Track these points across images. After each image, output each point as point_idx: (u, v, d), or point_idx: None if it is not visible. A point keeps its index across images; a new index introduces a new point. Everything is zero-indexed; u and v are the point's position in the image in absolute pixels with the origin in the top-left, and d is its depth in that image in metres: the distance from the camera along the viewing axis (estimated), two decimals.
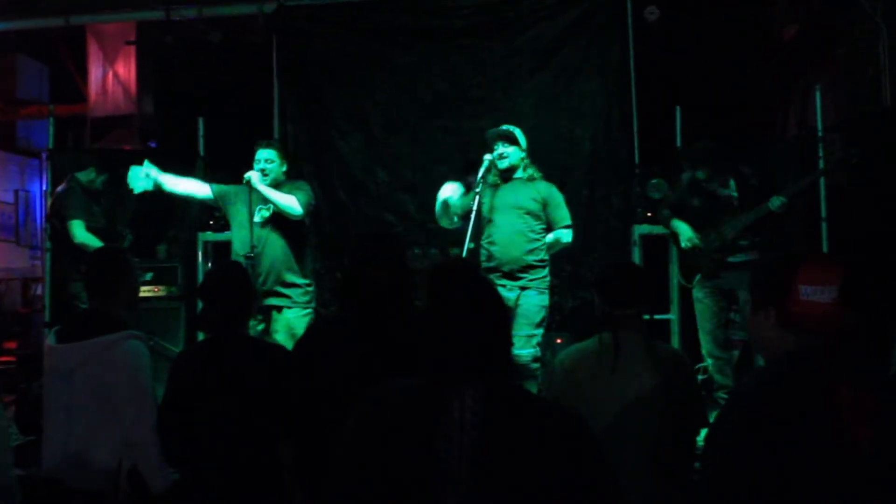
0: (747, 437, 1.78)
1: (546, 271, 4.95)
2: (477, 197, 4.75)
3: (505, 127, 5.08)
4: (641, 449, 2.76)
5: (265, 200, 4.96)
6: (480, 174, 4.86)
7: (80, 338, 2.97)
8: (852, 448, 1.73)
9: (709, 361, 5.33)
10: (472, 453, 1.67)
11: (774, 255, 2.06)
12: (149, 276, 6.19)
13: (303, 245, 5.21)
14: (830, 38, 6.54)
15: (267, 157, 5.07)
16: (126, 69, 8.73)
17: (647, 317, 2.99)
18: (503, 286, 4.81)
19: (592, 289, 3.07)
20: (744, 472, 1.77)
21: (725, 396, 5.05)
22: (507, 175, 5.02)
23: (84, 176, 6.09)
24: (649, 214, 6.00)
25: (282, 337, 4.92)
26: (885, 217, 5.26)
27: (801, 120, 6.56)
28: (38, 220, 10.68)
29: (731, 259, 5.12)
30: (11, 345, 8.44)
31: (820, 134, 5.77)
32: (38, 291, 9.14)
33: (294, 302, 5.05)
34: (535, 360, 4.83)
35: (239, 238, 5.03)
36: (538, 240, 4.93)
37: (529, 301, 4.83)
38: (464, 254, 4.70)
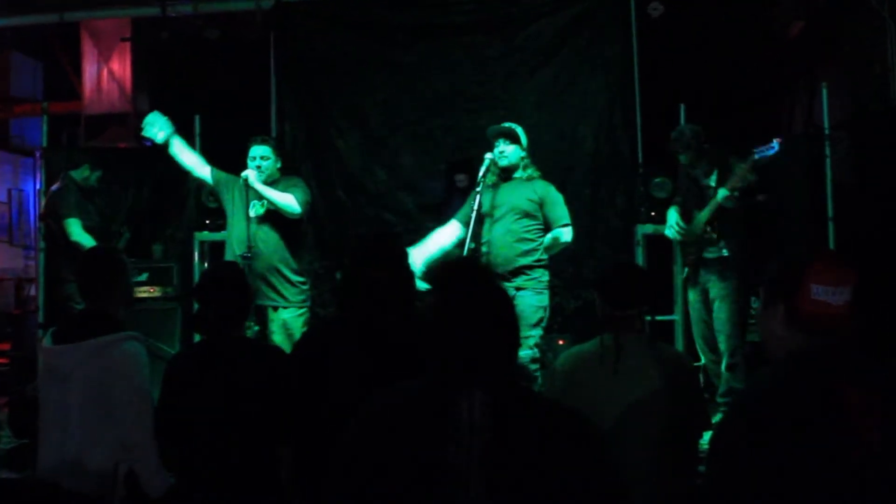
0: (752, 440, 1.73)
1: (543, 271, 4.85)
2: (478, 197, 4.72)
3: (507, 124, 5.00)
4: (644, 452, 2.70)
5: (261, 197, 4.93)
6: (481, 173, 4.82)
7: (77, 339, 2.93)
8: (860, 451, 1.68)
9: (702, 362, 5.33)
10: (480, 456, 1.64)
11: (790, 251, 2.02)
12: (144, 276, 6.16)
13: (299, 242, 5.18)
14: (837, 35, 6.53)
15: (262, 154, 5.03)
16: (121, 66, 8.69)
17: (648, 318, 2.96)
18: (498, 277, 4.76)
19: (593, 289, 3.03)
20: (749, 475, 1.72)
21: (721, 400, 5.05)
22: (506, 174, 4.94)
23: (78, 174, 6.10)
24: (653, 214, 5.97)
25: (279, 338, 4.89)
26: (892, 216, 5.22)
27: (808, 118, 6.52)
28: (32, 220, 10.63)
29: (705, 254, 5.10)
30: (4, 346, 8.38)
31: (826, 132, 5.74)
32: (32, 292, 9.07)
33: (290, 301, 5.02)
34: (534, 360, 4.77)
35: (235, 234, 5.01)
36: (534, 240, 4.84)
37: (525, 302, 4.73)
38: (464, 254, 4.66)
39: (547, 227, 4.87)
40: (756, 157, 4.79)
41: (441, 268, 1.90)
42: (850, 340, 1.80)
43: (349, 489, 1.75)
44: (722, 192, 4.89)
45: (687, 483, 2.79)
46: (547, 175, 4.96)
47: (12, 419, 5.38)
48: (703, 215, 5.04)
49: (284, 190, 4.95)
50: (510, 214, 4.82)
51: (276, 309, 4.98)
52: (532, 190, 4.89)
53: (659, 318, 5.52)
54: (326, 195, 6.66)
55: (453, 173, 6.43)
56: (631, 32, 6.32)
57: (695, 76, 6.20)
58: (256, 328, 4.93)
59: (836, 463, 1.69)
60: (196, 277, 6.23)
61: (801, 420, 1.73)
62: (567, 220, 4.87)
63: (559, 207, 4.89)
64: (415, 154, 6.63)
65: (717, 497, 1.81)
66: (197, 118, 6.68)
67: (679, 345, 5.79)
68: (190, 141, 6.62)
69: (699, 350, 5.29)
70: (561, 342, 5.78)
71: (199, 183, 5.52)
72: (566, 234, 4.86)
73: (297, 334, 4.86)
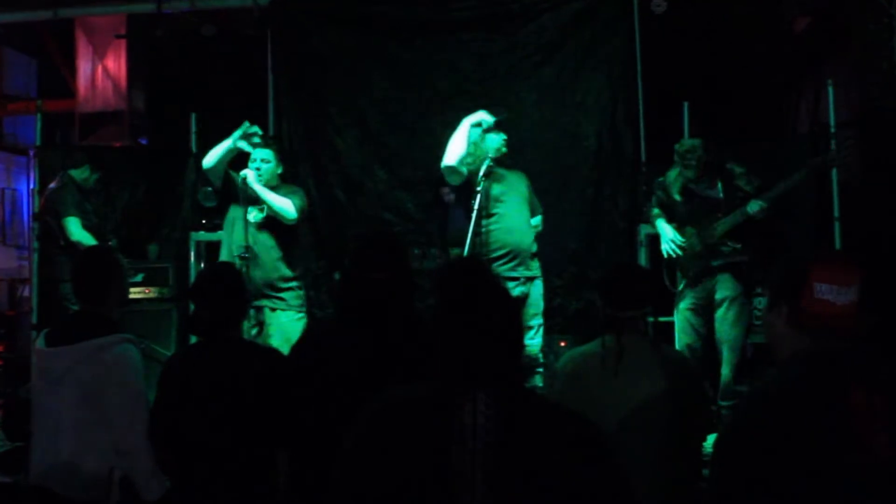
0: (757, 444, 1.73)
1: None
2: (479, 196, 4.74)
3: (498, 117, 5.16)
4: (647, 456, 2.69)
5: (259, 201, 4.90)
6: (482, 173, 4.83)
7: (71, 341, 2.92)
8: (866, 454, 1.68)
9: None
10: (484, 459, 1.63)
11: (795, 252, 1.99)
12: (139, 277, 6.14)
13: (296, 246, 5.18)
14: (843, 32, 6.49)
15: (263, 157, 5.00)
16: (116, 64, 8.64)
17: (651, 319, 2.92)
18: (516, 279, 4.90)
19: (595, 290, 3.06)
20: (754, 479, 1.72)
21: (723, 403, 5.01)
22: (498, 163, 5.01)
23: (79, 174, 6.11)
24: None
25: (276, 341, 4.85)
26: None
27: (814, 116, 6.48)
28: (26, 220, 10.56)
29: (713, 264, 5.04)
30: None
31: (833, 130, 5.69)
32: (26, 293, 9.02)
33: (288, 305, 5.00)
34: (542, 349, 4.96)
35: (231, 234, 4.98)
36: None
37: (538, 290, 4.97)
38: (465, 252, 4.69)
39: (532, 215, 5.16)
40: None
41: (443, 268, 1.95)
42: (857, 341, 1.79)
43: (352, 492, 1.75)
44: (756, 205, 4.85)
45: (691, 487, 2.78)
46: (549, 173, 5.03)
47: (5, 422, 5.38)
48: (723, 226, 4.99)
49: (283, 196, 4.93)
50: (520, 201, 5.00)
51: (273, 311, 4.95)
52: (523, 179, 5.13)
53: (662, 319, 5.54)
54: (324, 194, 6.61)
55: (438, 186, 6.39)
56: (634, 28, 6.26)
57: (699, 73, 6.19)
58: (254, 331, 4.89)
59: (842, 466, 1.68)
60: (192, 278, 6.20)
61: (807, 422, 1.72)
62: (541, 208, 5.24)
63: (535, 196, 5.23)
64: (415, 152, 6.54)
65: (722, 501, 1.80)
66: (193, 116, 6.66)
67: None
68: (185, 139, 6.65)
69: None
70: (563, 344, 5.74)
71: (196, 181, 5.44)
72: (542, 224, 5.28)
73: (295, 337, 4.77)
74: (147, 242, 6.64)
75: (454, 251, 5.52)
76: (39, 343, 3.02)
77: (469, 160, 4.96)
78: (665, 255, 5.21)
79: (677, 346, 5.18)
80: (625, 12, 6.27)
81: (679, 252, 5.14)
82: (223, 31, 7.04)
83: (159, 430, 2.87)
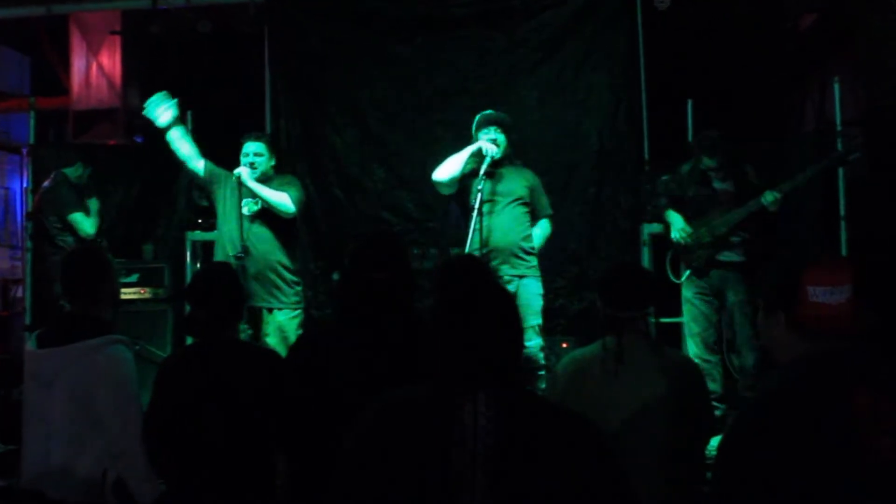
0: (760, 447, 1.74)
1: (536, 258, 5.02)
2: (479, 195, 4.73)
3: (498, 114, 5.14)
4: (649, 459, 2.68)
5: (254, 195, 4.91)
6: (483, 171, 4.83)
7: (63, 342, 2.91)
8: (871, 456, 1.68)
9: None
10: (485, 460, 1.64)
11: (784, 257, 2.00)
12: (134, 277, 6.12)
13: (293, 240, 5.18)
14: (849, 29, 6.47)
15: (255, 151, 5.00)
16: (111, 60, 8.57)
17: (653, 320, 2.88)
18: (501, 278, 4.87)
19: (596, 291, 3.02)
20: (758, 483, 1.73)
21: (716, 405, 4.91)
22: (496, 163, 4.98)
23: (72, 172, 6.11)
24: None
25: (273, 341, 4.87)
26: None
27: (819, 113, 6.45)
28: (19, 219, 10.51)
29: (720, 257, 5.05)
30: None
31: (839, 128, 5.64)
32: (19, 293, 8.99)
33: (284, 303, 5.00)
34: (542, 349, 4.89)
35: (227, 232, 4.97)
36: (529, 227, 5.03)
37: (529, 290, 4.88)
38: (465, 251, 4.68)
39: (533, 215, 5.10)
40: None
41: (443, 267, 2.03)
42: (857, 341, 1.81)
43: (352, 493, 1.75)
44: (771, 195, 4.86)
45: (693, 490, 2.76)
46: (550, 173, 5.02)
47: None
48: (736, 216, 5.00)
49: (278, 188, 4.93)
50: (513, 201, 4.95)
51: (270, 311, 4.95)
52: (525, 178, 5.08)
53: (664, 320, 5.54)
54: (323, 193, 6.56)
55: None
56: (636, 25, 6.23)
57: (703, 71, 6.17)
58: (250, 331, 4.86)
59: (846, 469, 1.68)
60: (188, 278, 6.17)
61: (810, 426, 1.72)
62: (550, 209, 5.17)
63: (545, 196, 5.17)
64: (414, 151, 6.50)
65: (724, 503, 1.81)
66: (189, 114, 6.51)
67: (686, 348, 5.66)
68: None
69: (692, 352, 5.07)
70: (564, 345, 5.71)
71: (191, 180, 5.44)
72: (549, 226, 5.19)
73: (292, 337, 4.87)
74: (142, 242, 6.61)
75: (454, 251, 5.50)
76: (31, 344, 3.00)
77: (457, 185, 5.01)
78: (674, 241, 5.20)
79: (687, 337, 5.20)
80: (627, 9, 6.24)
81: (689, 240, 5.12)
82: (219, 27, 7.00)
83: (154, 433, 2.85)
